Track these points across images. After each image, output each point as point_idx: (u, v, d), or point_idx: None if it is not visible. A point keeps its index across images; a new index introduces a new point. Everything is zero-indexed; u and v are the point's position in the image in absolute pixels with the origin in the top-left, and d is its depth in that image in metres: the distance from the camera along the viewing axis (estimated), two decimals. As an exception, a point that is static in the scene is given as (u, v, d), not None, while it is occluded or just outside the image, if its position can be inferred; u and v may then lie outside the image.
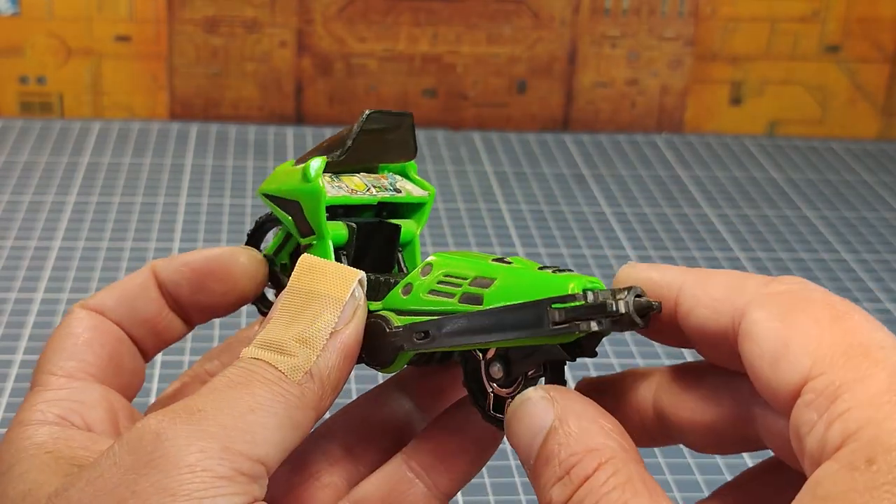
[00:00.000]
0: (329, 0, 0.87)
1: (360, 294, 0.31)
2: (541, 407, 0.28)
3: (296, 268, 0.31)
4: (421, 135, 0.87)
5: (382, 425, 0.34)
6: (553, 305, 0.27)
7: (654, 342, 0.31)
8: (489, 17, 0.88)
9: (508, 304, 0.29)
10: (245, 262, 0.35)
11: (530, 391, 0.29)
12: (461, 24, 0.88)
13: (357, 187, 0.33)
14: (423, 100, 0.89)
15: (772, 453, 0.29)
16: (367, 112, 0.33)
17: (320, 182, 0.32)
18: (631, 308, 0.28)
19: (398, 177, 0.34)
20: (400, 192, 0.33)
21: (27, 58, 0.87)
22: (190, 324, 0.35)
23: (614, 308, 0.27)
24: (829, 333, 0.25)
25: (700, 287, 0.28)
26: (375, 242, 0.34)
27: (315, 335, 0.30)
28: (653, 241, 0.73)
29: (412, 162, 0.34)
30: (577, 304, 0.27)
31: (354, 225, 0.33)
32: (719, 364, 0.29)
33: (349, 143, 0.33)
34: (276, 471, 0.29)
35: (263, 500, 0.28)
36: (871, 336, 0.25)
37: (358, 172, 0.33)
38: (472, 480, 0.49)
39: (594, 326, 0.27)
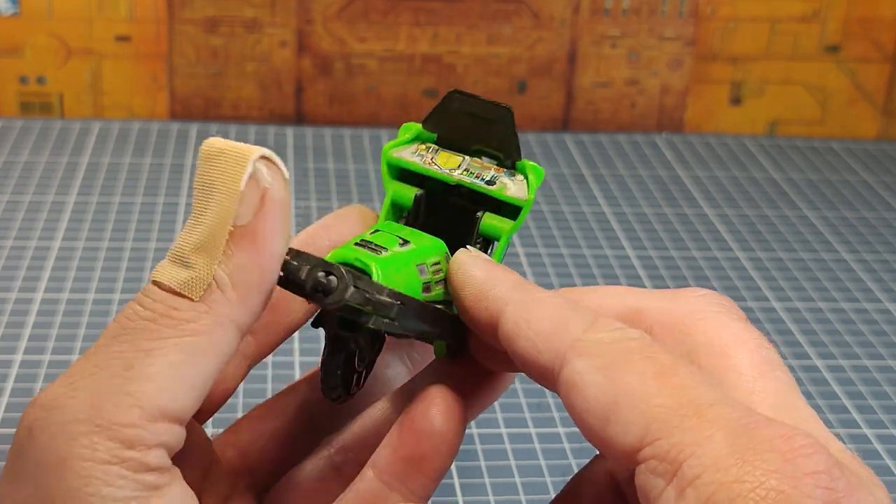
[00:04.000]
0: (329, 0, 0.87)
1: (267, 176, 0.26)
2: None
3: (199, 156, 0.26)
4: (421, 135, 0.87)
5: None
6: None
7: None
8: (489, 17, 0.88)
9: None
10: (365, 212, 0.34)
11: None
12: (461, 24, 0.88)
13: (444, 164, 0.33)
14: (424, 100, 0.89)
15: None
16: (450, 91, 0.33)
17: (396, 145, 0.33)
18: (309, 279, 0.26)
19: (517, 174, 0.33)
20: (493, 185, 0.33)
21: (27, 58, 0.87)
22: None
23: (292, 273, 0.26)
24: (656, 392, 0.25)
25: (523, 315, 0.28)
26: (449, 224, 0.33)
27: (211, 239, 0.26)
28: (653, 241, 0.73)
29: (533, 165, 0.33)
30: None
31: (422, 192, 0.33)
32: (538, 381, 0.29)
33: (428, 115, 0.33)
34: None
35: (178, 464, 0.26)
36: (697, 393, 0.25)
37: (477, 156, 0.34)
38: (473, 480, 0.50)
39: (295, 290, 0.26)
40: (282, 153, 0.84)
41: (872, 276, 0.70)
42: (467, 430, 0.52)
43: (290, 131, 0.88)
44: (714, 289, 0.67)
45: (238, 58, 0.88)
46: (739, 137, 0.92)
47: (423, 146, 0.33)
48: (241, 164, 0.26)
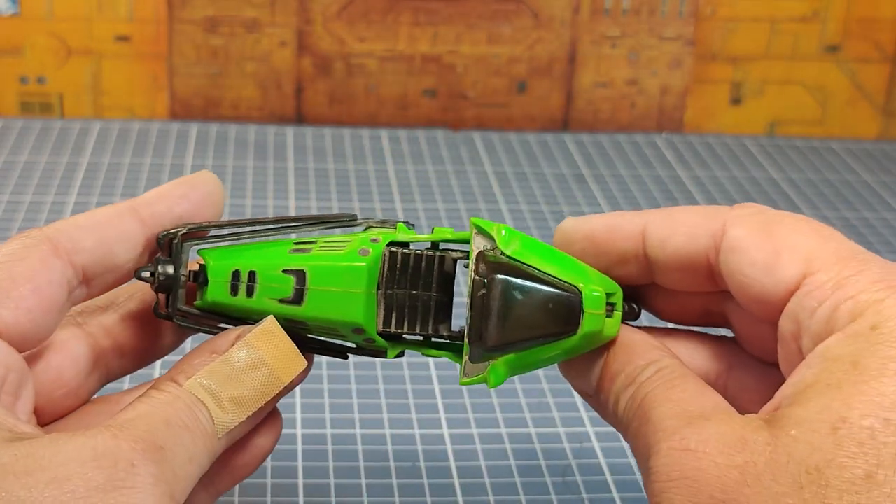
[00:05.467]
0: (329, 0, 0.87)
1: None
2: None
3: (260, 327, 0.32)
4: (421, 135, 0.88)
5: None
6: None
7: None
8: (489, 17, 0.88)
9: None
10: (218, 184, 0.35)
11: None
12: (461, 24, 0.88)
13: (476, 270, 0.34)
14: (423, 100, 0.89)
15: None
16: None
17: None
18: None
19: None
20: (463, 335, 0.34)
21: (27, 58, 0.87)
22: None
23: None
24: (814, 241, 0.30)
25: (670, 219, 0.33)
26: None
27: (249, 403, 0.31)
28: (653, 241, 0.73)
29: (496, 374, 0.33)
30: None
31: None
32: (687, 289, 0.34)
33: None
34: None
35: None
36: (849, 244, 0.31)
37: None
38: (472, 480, 0.50)
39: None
40: (282, 153, 0.84)
41: (872, 276, 0.69)
42: (467, 430, 0.52)
43: (290, 131, 0.88)
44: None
45: (238, 58, 0.88)
46: (739, 137, 0.92)
47: (492, 247, 0.33)
48: (294, 368, 0.32)
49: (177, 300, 0.33)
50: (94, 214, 0.33)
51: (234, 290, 0.33)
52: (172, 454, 0.29)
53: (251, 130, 0.87)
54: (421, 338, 0.36)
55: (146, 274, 0.33)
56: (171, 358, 0.37)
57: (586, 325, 0.32)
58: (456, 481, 0.49)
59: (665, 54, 0.91)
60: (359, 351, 0.35)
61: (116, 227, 0.33)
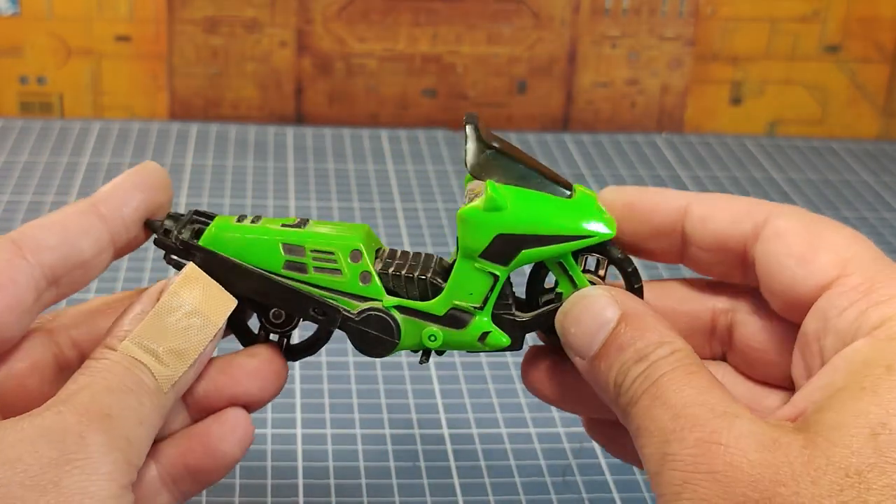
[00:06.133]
0: (329, 0, 0.87)
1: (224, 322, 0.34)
2: (604, 302, 0.32)
3: (183, 275, 0.33)
4: (421, 135, 0.88)
5: None
6: None
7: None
8: (489, 17, 0.88)
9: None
10: (163, 171, 0.36)
11: (590, 289, 0.33)
12: (461, 24, 0.88)
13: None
14: (423, 100, 0.89)
15: None
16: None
17: None
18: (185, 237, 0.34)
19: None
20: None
21: (27, 58, 0.87)
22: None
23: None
24: (853, 246, 0.31)
25: (714, 200, 0.33)
26: None
27: (188, 352, 0.32)
28: (653, 241, 0.73)
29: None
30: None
31: None
32: (714, 274, 0.34)
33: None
34: None
35: None
36: (880, 253, 0.31)
37: None
38: (472, 480, 0.50)
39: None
40: (282, 153, 0.84)
41: (872, 276, 0.69)
42: (468, 430, 0.52)
43: (290, 131, 0.88)
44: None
45: (238, 58, 0.88)
46: (739, 137, 0.92)
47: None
48: (225, 309, 0.33)
49: (180, 233, 0.35)
50: (55, 214, 0.33)
51: (240, 220, 0.35)
52: (120, 419, 0.29)
53: (251, 130, 0.87)
54: (417, 292, 0.35)
55: (157, 225, 0.35)
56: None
57: (581, 191, 0.34)
58: (456, 481, 0.49)
59: (665, 54, 0.91)
60: (350, 329, 0.35)
61: (78, 223, 0.33)
